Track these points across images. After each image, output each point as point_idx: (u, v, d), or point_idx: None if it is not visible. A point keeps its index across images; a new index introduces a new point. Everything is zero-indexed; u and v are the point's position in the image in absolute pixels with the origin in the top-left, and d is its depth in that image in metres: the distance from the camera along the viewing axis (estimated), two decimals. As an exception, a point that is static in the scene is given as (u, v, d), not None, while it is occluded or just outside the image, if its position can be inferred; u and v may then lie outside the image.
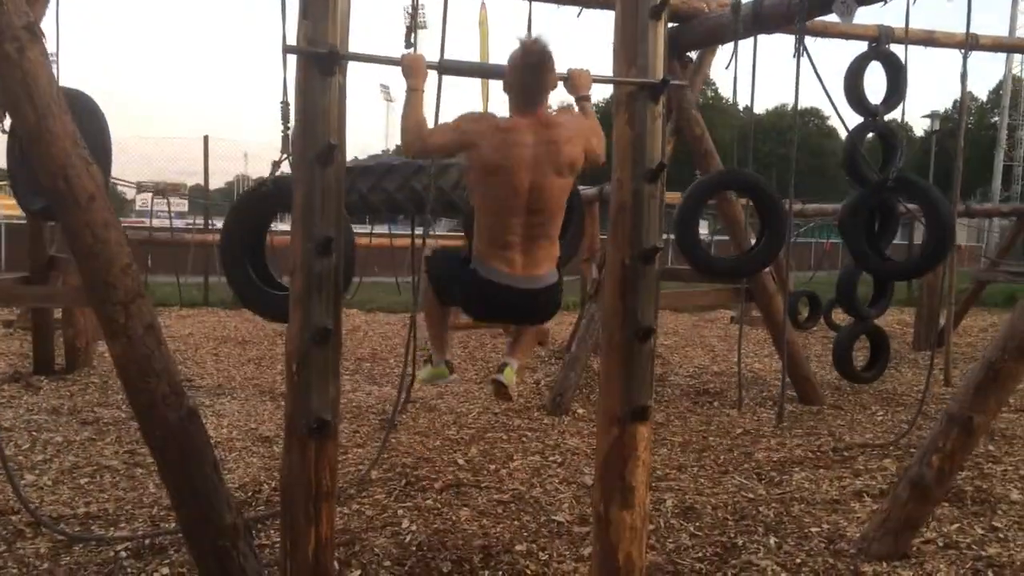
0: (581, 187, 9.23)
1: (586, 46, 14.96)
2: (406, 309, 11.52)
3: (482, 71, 3.58)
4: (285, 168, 3.81)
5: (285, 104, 3.81)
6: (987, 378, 3.57)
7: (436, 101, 4.06)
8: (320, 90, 2.60)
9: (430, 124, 3.04)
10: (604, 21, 5.29)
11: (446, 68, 3.10)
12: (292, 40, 2.69)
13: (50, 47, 3.49)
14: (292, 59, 2.74)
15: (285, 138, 3.89)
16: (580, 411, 6.14)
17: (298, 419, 2.66)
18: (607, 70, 3.16)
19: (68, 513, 3.89)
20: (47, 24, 5.51)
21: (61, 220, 2.69)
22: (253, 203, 3.88)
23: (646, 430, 3.01)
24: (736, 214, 6.79)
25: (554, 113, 3.13)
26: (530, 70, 2.97)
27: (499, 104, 3.36)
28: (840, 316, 8.70)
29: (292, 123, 3.63)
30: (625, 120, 2.97)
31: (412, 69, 2.90)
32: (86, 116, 3.28)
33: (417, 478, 4.46)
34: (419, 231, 5.39)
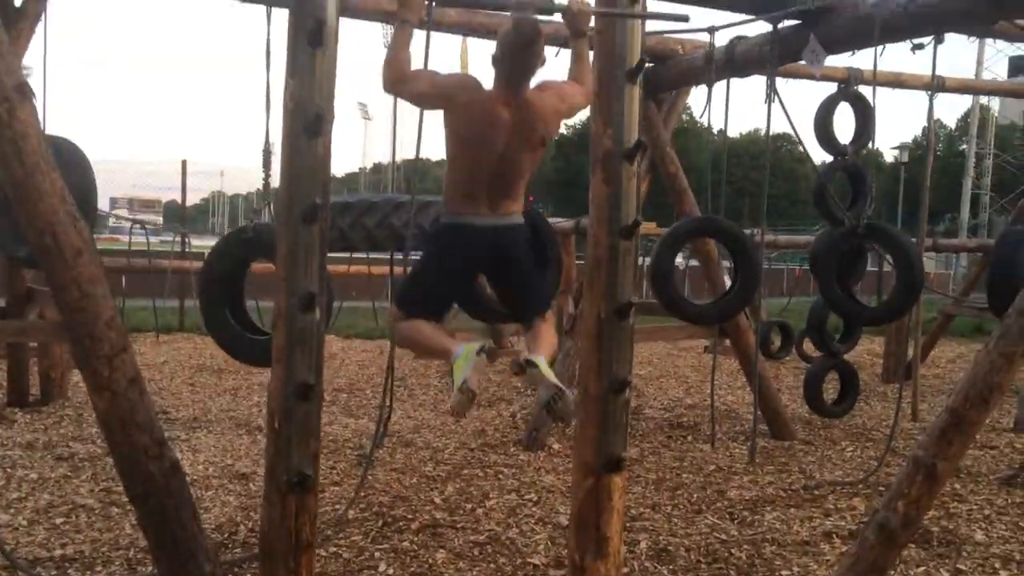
0: (557, 219, 9.34)
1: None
2: (383, 335, 11.54)
3: (482, 4, 3.50)
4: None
5: (267, 152, 3.90)
6: (950, 425, 3.67)
7: (425, 51, 3.49)
8: (306, 150, 2.66)
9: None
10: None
11: (445, 2, 3.18)
12: (277, 88, 2.76)
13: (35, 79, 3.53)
14: (275, 106, 2.81)
15: (266, 185, 3.97)
16: (556, 446, 6.21)
17: (279, 473, 2.70)
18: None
19: (44, 556, 3.88)
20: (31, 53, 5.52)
21: (48, 275, 2.73)
22: (233, 248, 3.92)
23: (621, 480, 3.08)
24: (710, 251, 6.92)
25: (536, 89, 3.16)
26: (519, 49, 3.03)
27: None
28: (812, 347, 8.83)
29: (274, 171, 3.70)
30: (601, 179, 3.05)
31: (408, 2, 2.93)
32: (72, 167, 3.32)
33: (394, 518, 4.50)
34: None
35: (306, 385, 2.68)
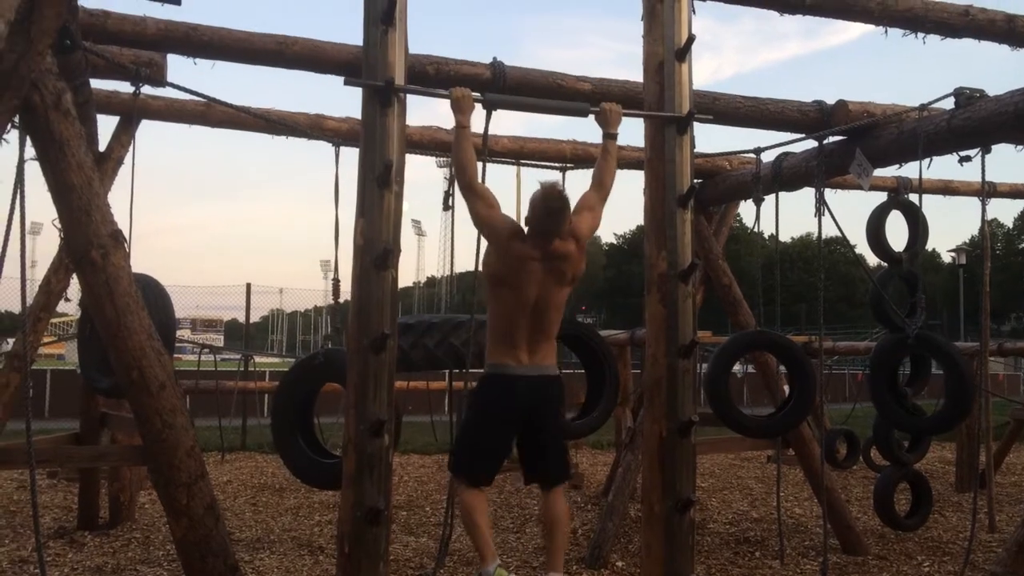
0: (611, 332, 9.42)
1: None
2: (441, 450, 11.55)
3: (525, 105, 3.73)
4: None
5: (336, 281, 4.09)
6: (1028, 540, 3.58)
7: (483, 139, 3.71)
8: (375, 283, 2.83)
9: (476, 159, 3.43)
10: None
11: (492, 103, 3.43)
12: (349, 235, 2.94)
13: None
14: (343, 239, 2.99)
15: (333, 313, 4.15)
16: (619, 564, 6.08)
17: (349, 598, 2.75)
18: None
19: None
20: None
21: (132, 406, 2.89)
22: (304, 374, 4.07)
23: (689, 602, 3.06)
24: (768, 360, 6.89)
25: (562, 240, 3.43)
26: (548, 213, 3.36)
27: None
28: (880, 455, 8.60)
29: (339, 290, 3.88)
30: (658, 299, 3.16)
31: (460, 103, 3.29)
32: (155, 304, 3.52)
33: (458, 642, 4.44)
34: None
35: (375, 510, 2.75)
